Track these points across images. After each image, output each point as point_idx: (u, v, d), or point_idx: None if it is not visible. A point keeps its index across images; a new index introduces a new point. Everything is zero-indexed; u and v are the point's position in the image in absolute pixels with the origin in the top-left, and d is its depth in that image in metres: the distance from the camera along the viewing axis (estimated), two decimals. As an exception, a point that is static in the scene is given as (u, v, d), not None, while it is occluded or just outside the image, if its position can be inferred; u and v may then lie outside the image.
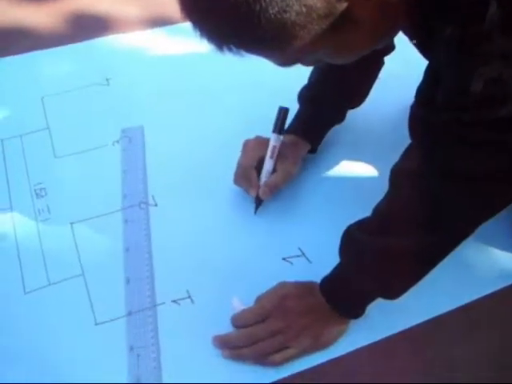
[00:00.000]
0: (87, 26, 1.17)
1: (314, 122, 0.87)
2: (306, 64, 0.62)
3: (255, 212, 0.83)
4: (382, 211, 0.65)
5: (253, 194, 0.82)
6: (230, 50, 0.50)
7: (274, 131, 0.81)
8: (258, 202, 0.83)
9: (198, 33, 0.50)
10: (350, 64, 0.59)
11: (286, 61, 0.57)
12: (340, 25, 0.49)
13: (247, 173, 0.82)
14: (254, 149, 0.83)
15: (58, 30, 1.16)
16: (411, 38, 0.61)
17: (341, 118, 0.89)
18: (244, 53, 0.51)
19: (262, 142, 0.82)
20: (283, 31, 0.47)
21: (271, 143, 0.81)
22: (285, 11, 0.46)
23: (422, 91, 0.58)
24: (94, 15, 1.20)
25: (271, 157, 0.81)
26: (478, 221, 0.61)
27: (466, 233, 0.62)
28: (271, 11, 0.45)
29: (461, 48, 0.50)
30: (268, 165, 0.82)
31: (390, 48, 0.82)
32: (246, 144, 0.84)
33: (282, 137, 0.81)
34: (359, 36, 0.53)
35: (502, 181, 0.56)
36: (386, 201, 0.65)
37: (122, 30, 1.16)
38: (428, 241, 0.61)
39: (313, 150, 0.88)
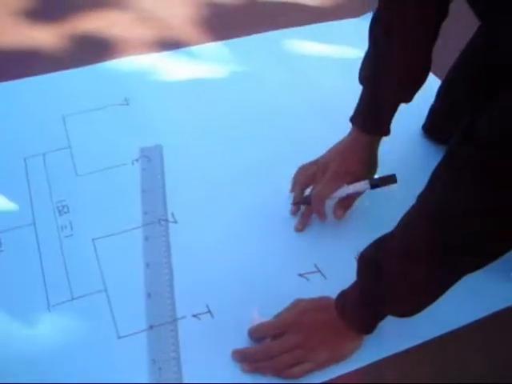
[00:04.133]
0: (102, 48, 1.20)
1: (378, 115, 0.84)
2: None
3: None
4: (404, 235, 0.63)
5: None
6: None
7: (369, 181, 0.82)
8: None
9: None
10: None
11: None
12: None
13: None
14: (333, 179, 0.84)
15: (73, 52, 1.20)
16: None
17: (406, 97, 0.84)
18: None
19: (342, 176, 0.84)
20: None
21: (358, 186, 0.83)
22: None
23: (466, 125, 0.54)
24: (107, 38, 1.24)
25: (348, 193, 0.83)
26: (500, 253, 0.57)
27: (488, 261, 0.59)
28: None
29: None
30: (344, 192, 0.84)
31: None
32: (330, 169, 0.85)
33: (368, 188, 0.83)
34: None
35: None
36: (409, 226, 0.63)
37: (135, 52, 1.19)
38: (449, 268, 0.60)
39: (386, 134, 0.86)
